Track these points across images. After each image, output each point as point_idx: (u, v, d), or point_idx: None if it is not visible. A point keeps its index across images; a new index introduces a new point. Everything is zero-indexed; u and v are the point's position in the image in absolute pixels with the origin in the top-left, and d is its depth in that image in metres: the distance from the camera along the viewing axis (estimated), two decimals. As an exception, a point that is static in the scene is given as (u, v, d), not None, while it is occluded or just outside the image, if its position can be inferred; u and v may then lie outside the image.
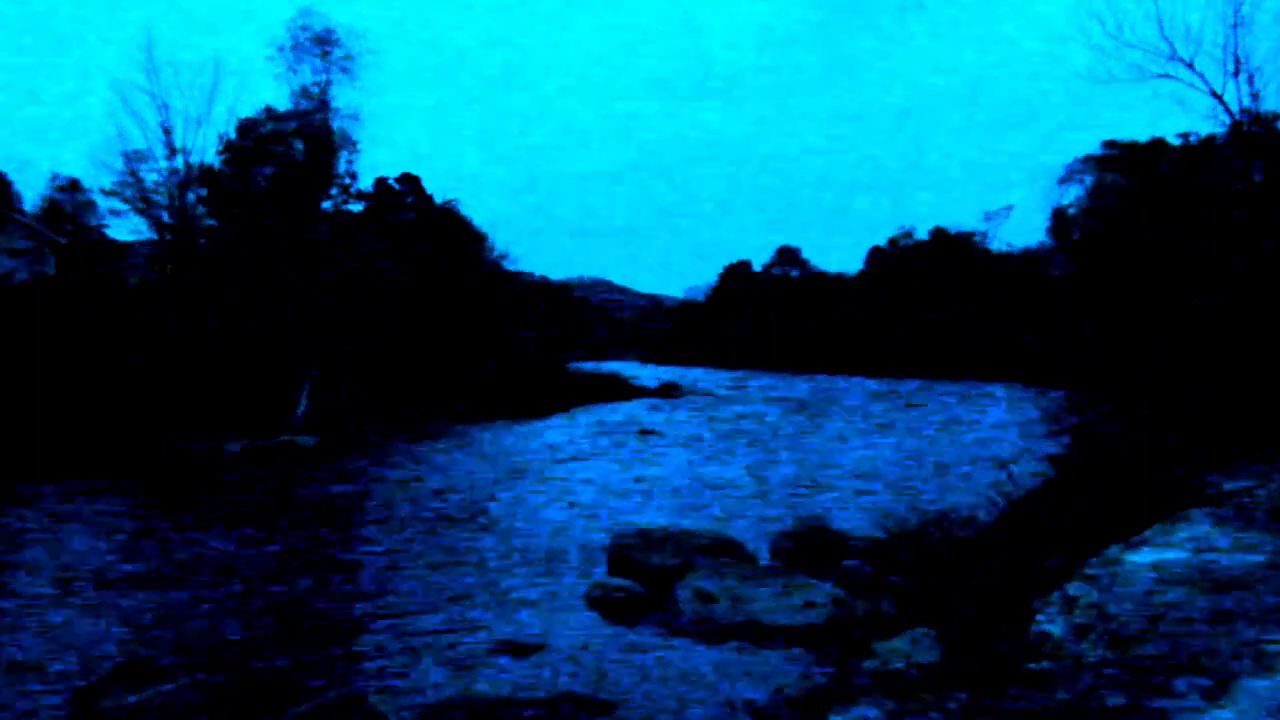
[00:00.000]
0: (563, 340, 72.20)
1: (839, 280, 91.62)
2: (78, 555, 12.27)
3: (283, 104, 37.74)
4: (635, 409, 38.88)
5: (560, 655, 8.31)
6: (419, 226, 43.97)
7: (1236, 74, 17.36)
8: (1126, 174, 42.54)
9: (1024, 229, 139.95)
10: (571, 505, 15.91)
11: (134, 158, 33.58)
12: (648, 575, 10.40)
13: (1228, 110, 17.67)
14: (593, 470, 20.38)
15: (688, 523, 13.35)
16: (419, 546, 12.84)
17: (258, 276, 30.61)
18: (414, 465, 21.49)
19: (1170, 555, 6.51)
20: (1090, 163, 52.89)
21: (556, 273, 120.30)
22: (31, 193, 47.49)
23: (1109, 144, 50.53)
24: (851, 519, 13.62)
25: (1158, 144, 41.40)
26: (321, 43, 37.35)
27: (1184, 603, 5.48)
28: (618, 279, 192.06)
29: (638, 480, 18.78)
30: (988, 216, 78.21)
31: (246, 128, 36.64)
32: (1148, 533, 7.25)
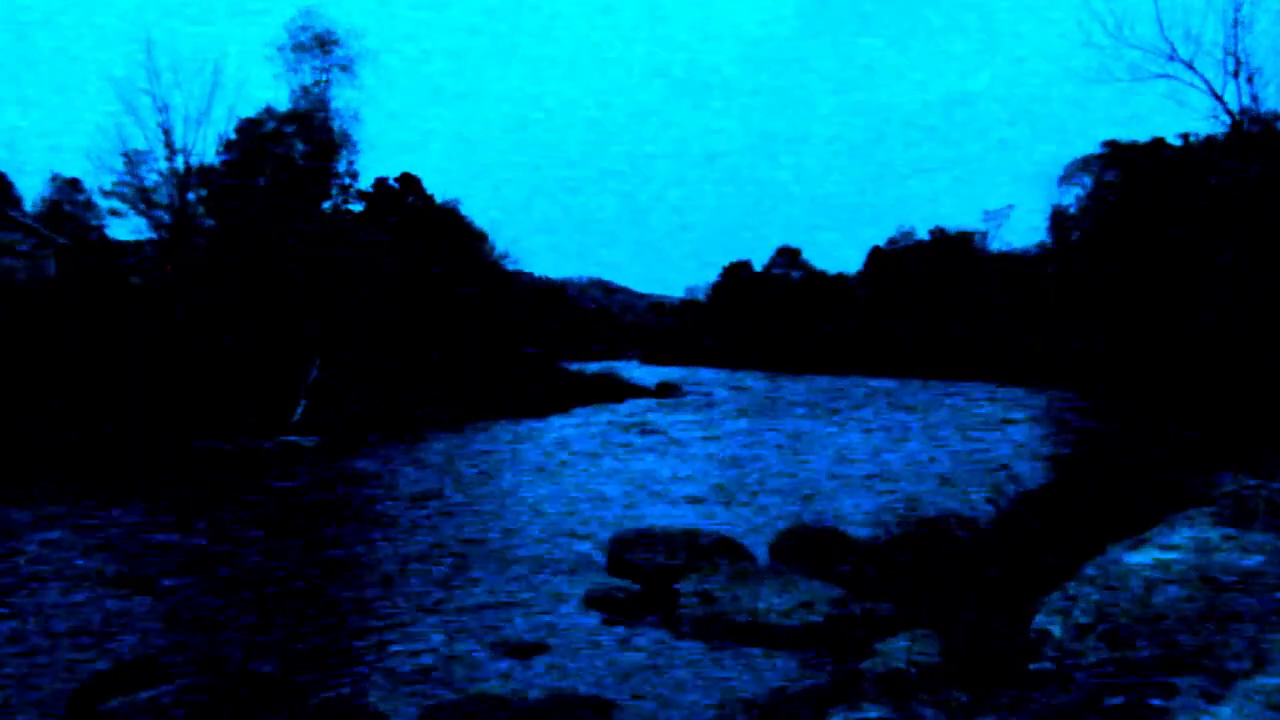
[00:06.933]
0: (562, 340, 72.25)
1: (839, 280, 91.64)
2: (77, 555, 12.26)
3: (283, 104, 37.85)
4: (634, 409, 38.87)
5: (560, 655, 8.30)
6: (419, 226, 44.00)
7: (1236, 74, 17.40)
8: (1126, 174, 42.59)
9: (1024, 229, 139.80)
10: (571, 505, 15.91)
11: (134, 158, 33.68)
12: (648, 575, 10.40)
13: (1228, 110, 17.70)
14: (592, 470, 20.38)
15: (688, 523, 13.36)
16: (418, 546, 12.84)
17: (257, 276, 30.62)
18: (413, 465, 21.48)
19: (1170, 555, 6.50)
20: (1090, 163, 52.99)
21: (556, 273, 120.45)
22: (31, 193, 47.61)
23: (1109, 144, 50.67)
24: (851, 519, 13.61)
25: (1158, 144, 41.51)
26: (322, 43, 37.43)
27: (1184, 603, 5.47)
28: (618, 279, 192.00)
29: (637, 480, 18.78)
30: (988, 216, 78.28)
31: (246, 128, 36.70)
32: (1148, 533, 7.24)
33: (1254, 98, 17.47)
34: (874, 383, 58.62)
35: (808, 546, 11.09)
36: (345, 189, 39.87)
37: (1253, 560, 6.22)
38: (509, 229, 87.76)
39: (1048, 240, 61.58)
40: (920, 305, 72.22)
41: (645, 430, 29.13)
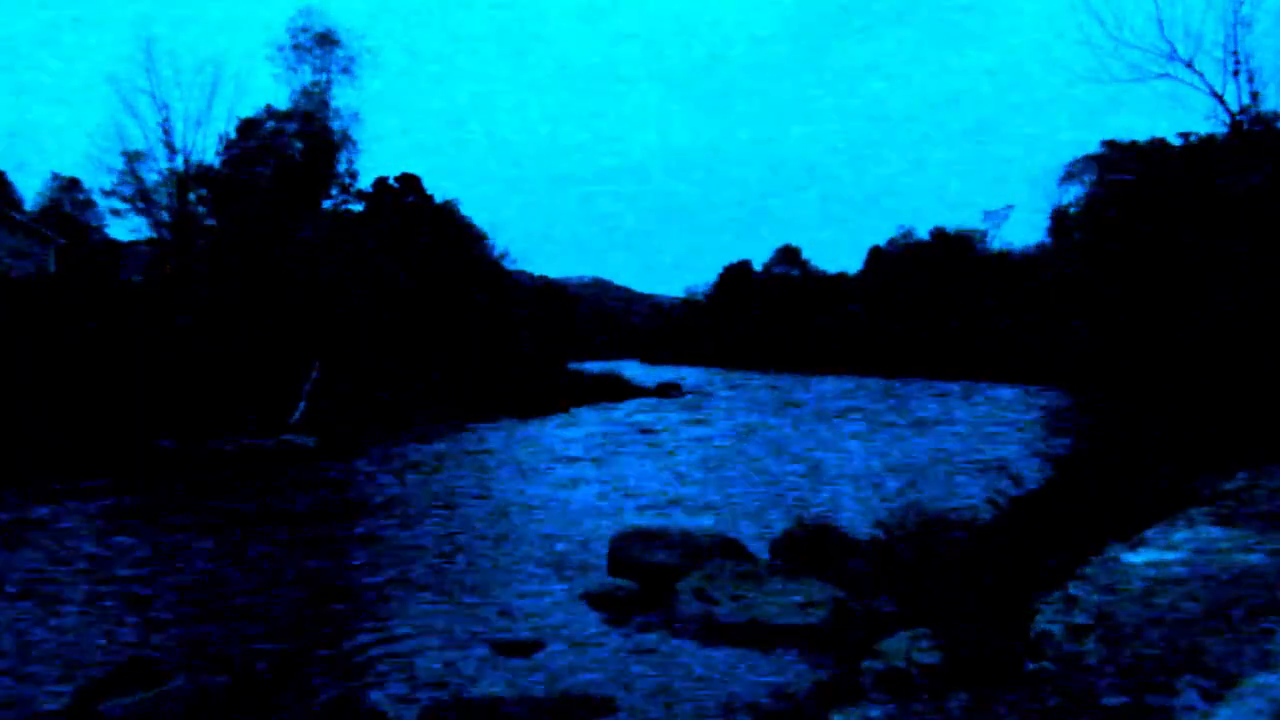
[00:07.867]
0: (562, 340, 72.27)
1: (839, 280, 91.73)
2: (76, 555, 12.27)
3: (283, 104, 37.86)
4: (634, 409, 38.87)
5: (560, 655, 8.30)
6: (419, 226, 44.00)
7: (1236, 74, 17.37)
8: (1127, 174, 42.61)
9: (1024, 229, 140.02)
10: (571, 504, 15.91)
11: (134, 158, 33.74)
12: (648, 575, 10.40)
13: (1228, 110, 17.68)
14: (593, 470, 20.38)
15: (688, 523, 13.35)
16: (418, 546, 12.83)
17: (257, 276, 30.63)
18: (413, 465, 21.49)
19: (1170, 555, 6.50)
20: (1090, 163, 53.02)
21: (556, 273, 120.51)
22: (31, 193, 47.68)
23: (1109, 144, 50.69)
24: (851, 519, 13.61)
25: (1158, 144, 41.50)
26: (322, 43, 37.46)
27: (1184, 603, 5.47)
28: (618, 279, 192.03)
29: (638, 479, 18.78)
30: (988, 216, 78.38)
31: (246, 127, 36.72)
32: (1148, 533, 7.24)
33: (1254, 97, 17.45)
34: (874, 382, 58.61)
35: (808, 546, 11.08)
36: (345, 189, 39.89)
37: (1253, 560, 6.22)
38: (509, 229, 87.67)
39: (1048, 240, 61.62)
40: (920, 305, 72.24)
41: (645, 430, 29.13)
